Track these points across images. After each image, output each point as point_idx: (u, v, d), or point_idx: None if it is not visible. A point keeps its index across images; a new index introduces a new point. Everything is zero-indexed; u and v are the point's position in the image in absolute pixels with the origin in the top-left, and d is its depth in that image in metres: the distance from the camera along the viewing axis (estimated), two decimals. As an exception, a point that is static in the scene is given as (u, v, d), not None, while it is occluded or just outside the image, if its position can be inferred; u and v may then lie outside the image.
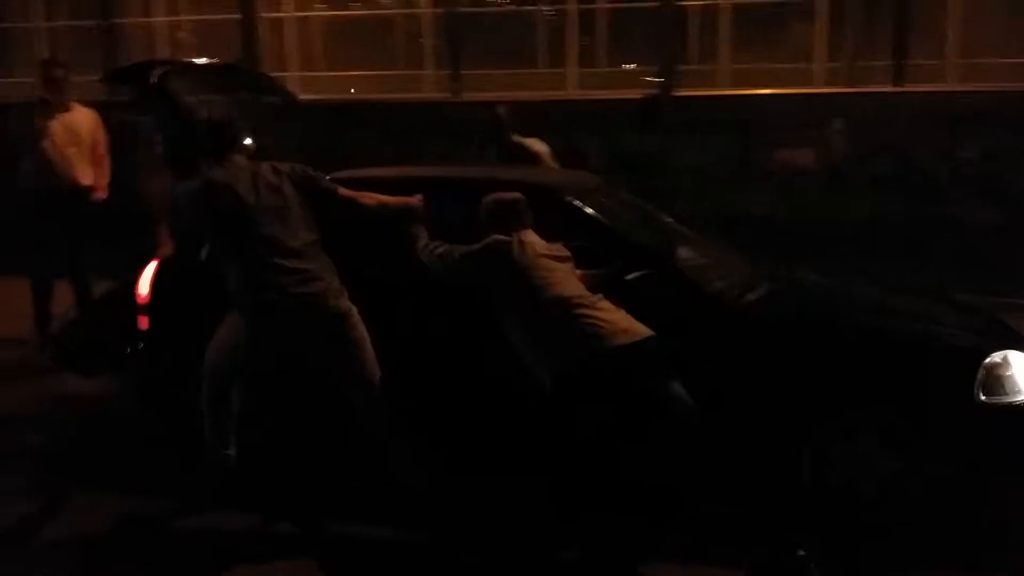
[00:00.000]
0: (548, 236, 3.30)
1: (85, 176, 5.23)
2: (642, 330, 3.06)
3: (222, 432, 3.30)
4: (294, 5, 11.01)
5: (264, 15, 10.41)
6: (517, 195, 3.32)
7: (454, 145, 8.62)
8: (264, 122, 4.28)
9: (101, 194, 5.39)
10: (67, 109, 5.17)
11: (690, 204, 8.25)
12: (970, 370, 3.16)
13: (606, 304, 3.14)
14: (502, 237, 3.16)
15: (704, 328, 3.34)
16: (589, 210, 3.62)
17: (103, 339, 4.18)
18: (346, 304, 3.21)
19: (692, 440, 2.98)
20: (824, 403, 3.23)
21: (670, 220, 4.35)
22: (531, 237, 3.22)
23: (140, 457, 3.89)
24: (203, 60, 5.34)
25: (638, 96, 9.32)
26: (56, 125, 5.09)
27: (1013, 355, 3.28)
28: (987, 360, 3.20)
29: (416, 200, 3.50)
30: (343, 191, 3.35)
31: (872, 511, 3.21)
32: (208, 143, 3.26)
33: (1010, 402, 3.18)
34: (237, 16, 10.01)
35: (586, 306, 3.06)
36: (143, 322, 3.87)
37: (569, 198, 3.66)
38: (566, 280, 3.13)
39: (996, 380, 3.19)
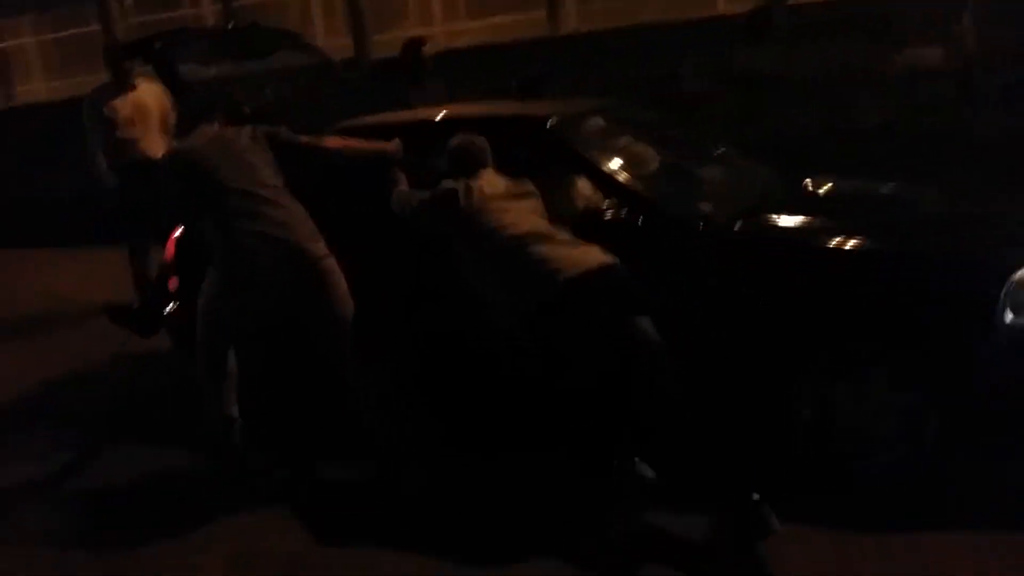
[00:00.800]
0: (528, 167, 3.18)
1: (156, 148, 5.48)
2: (595, 260, 2.85)
3: (220, 396, 3.40)
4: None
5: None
6: (469, 139, 3.21)
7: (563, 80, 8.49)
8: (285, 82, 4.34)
9: None
10: (133, 88, 5.46)
11: (799, 117, 7.71)
12: (993, 286, 2.67)
13: (565, 236, 2.98)
14: (450, 184, 3.07)
15: (679, 255, 3.05)
16: (567, 140, 3.40)
17: (151, 300, 4.47)
18: (321, 248, 3.22)
19: (656, 375, 2.76)
20: (821, 335, 2.86)
21: (688, 140, 4.02)
22: (485, 179, 3.10)
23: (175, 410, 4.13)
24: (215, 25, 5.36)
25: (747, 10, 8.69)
26: (122, 105, 5.39)
27: None
28: (1018, 274, 2.68)
29: (390, 145, 3.43)
30: (304, 139, 3.34)
31: (886, 454, 2.84)
32: (185, 111, 3.38)
33: None
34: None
35: (539, 242, 2.90)
36: (173, 283, 4.09)
37: (549, 127, 3.44)
38: (520, 219, 2.99)
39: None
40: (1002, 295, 2.65)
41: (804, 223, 3.18)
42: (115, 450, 3.89)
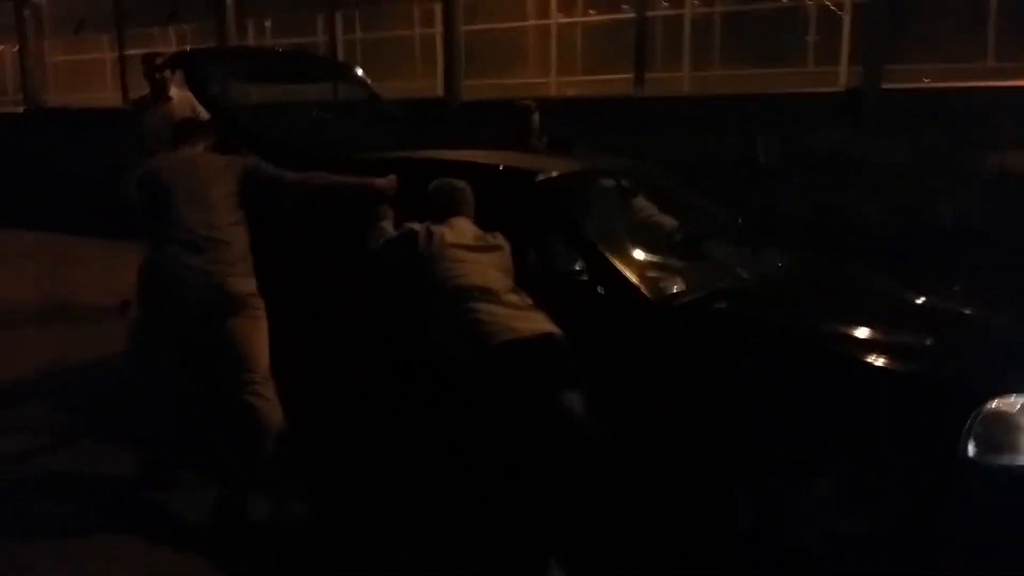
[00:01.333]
0: (512, 220, 3.13)
1: None
2: (532, 329, 2.74)
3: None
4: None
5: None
6: (449, 183, 3.19)
7: (636, 140, 8.44)
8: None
9: None
10: (167, 100, 5.43)
11: (873, 205, 7.36)
12: (957, 414, 2.38)
13: (514, 299, 2.87)
14: (413, 226, 3.05)
15: (633, 330, 2.88)
16: (551, 198, 3.31)
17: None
18: (250, 287, 3.20)
19: (578, 449, 2.63)
20: (759, 433, 2.62)
21: (700, 213, 3.83)
22: (455, 226, 3.05)
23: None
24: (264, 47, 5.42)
25: (838, 90, 8.42)
26: (153, 115, 5.37)
27: None
28: (989, 404, 2.39)
29: (383, 181, 3.41)
30: (291, 176, 3.36)
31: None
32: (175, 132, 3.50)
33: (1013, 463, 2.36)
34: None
35: (482, 299, 2.81)
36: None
37: (537, 183, 3.35)
38: (473, 271, 2.91)
39: (1000, 431, 2.37)
40: (966, 427, 2.35)
41: (764, 312, 2.94)
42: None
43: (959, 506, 2.39)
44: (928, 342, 2.80)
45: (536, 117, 5.05)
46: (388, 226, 3.26)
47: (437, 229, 3.01)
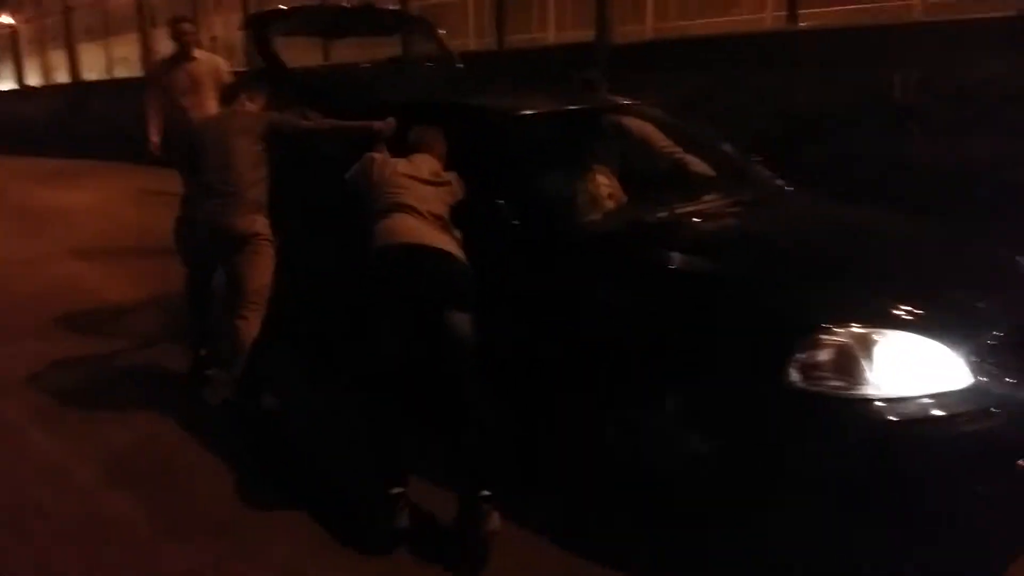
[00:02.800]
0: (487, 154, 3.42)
1: (207, 113, 5.87)
2: (435, 242, 2.98)
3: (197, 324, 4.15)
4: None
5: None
6: (383, 125, 3.62)
7: (790, 78, 8.16)
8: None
9: None
10: (191, 59, 6.02)
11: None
12: (784, 341, 2.40)
13: (436, 222, 3.11)
14: (373, 154, 3.39)
15: (540, 259, 3.08)
16: (512, 135, 3.55)
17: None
18: (255, 227, 3.70)
19: (457, 371, 2.86)
20: (629, 361, 2.75)
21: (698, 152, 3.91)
22: (415, 159, 3.34)
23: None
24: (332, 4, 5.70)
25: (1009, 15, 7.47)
26: (179, 73, 5.99)
27: (893, 338, 2.39)
28: (817, 333, 2.39)
29: (380, 123, 3.79)
30: (305, 123, 3.88)
31: (668, 493, 2.70)
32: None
33: (839, 392, 2.34)
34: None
35: (406, 212, 3.07)
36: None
37: (504, 121, 3.60)
38: (410, 196, 3.15)
39: (827, 359, 2.37)
40: (792, 354, 2.37)
41: (641, 244, 3.02)
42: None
43: (787, 430, 2.42)
44: (775, 275, 2.75)
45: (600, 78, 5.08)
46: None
47: (394, 160, 3.33)
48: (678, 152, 4.13)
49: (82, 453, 3.45)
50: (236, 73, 6.11)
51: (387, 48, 5.46)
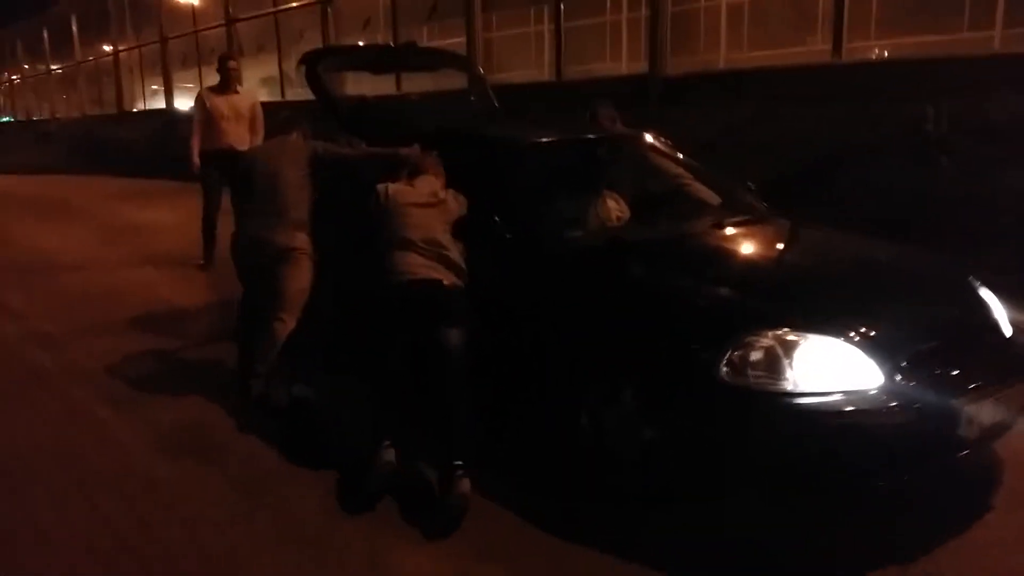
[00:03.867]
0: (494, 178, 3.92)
1: (241, 143, 7.00)
2: (433, 276, 3.52)
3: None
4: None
5: None
6: (408, 151, 4.11)
7: (836, 110, 8.41)
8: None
9: None
10: (234, 92, 7.06)
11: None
12: (717, 341, 2.78)
13: (437, 250, 3.61)
14: (378, 186, 3.88)
15: (520, 268, 3.54)
16: (515, 161, 4.02)
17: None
18: (295, 242, 4.21)
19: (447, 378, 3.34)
20: (597, 360, 3.15)
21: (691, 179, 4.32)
22: (414, 184, 3.85)
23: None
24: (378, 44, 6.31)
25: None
26: (222, 104, 7.01)
27: (812, 341, 2.74)
28: (745, 335, 2.76)
29: (406, 149, 4.28)
30: (344, 151, 4.41)
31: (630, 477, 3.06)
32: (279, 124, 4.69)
33: (762, 387, 2.70)
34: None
35: (411, 249, 3.61)
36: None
37: (510, 149, 4.08)
38: (416, 224, 3.67)
39: (753, 358, 2.73)
40: (724, 352, 2.74)
41: (608, 257, 3.44)
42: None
43: (719, 419, 2.78)
44: (718, 287, 3.12)
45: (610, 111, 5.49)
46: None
47: (395, 187, 3.83)
48: (681, 178, 4.53)
49: (137, 429, 4.04)
50: (290, 104, 6.90)
51: (454, 79, 6.00)
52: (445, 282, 3.51)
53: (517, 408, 3.62)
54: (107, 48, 25.76)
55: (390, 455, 3.22)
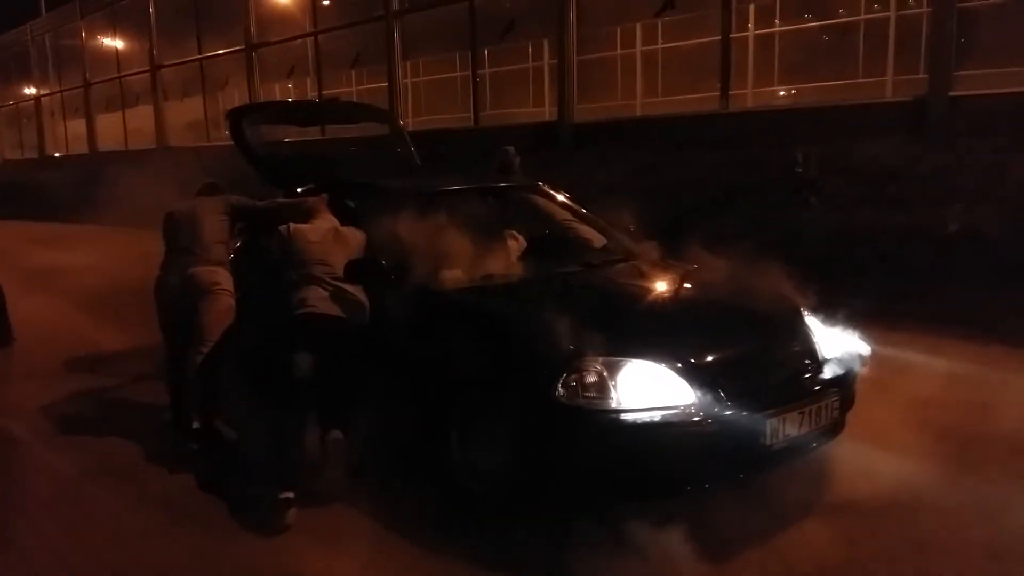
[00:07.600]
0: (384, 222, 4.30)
1: None
2: (319, 309, 4.00)
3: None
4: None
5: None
6: (304, 199, 4.66)
7: (725, 154, 9.16)
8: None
9: None
10: None
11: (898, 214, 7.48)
12: (553, 367, 3.24)
13: (334, 283, 4.09)
14: (280, 227, 4.36)
15: (402, 305, 3.97)
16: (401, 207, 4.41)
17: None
18: (215, 279, 4.54)
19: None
20: (463, 385, 3.57)
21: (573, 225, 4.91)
22: (314, 224, 4.35)
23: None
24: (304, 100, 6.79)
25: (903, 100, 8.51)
26: None
27: (633, 365, 3.24)
28: (576, 361, 3.23)
29: (313, 199, 4.71)
30: (258, 203, 4.84)
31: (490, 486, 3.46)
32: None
33: (593, 406, 3.17)
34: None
35: (311, 284, 4.08)
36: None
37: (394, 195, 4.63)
38: (320, 259, 4.15)
39: (583, 381, 3.20)
40: (560, 376, 3.21)
41: (469, 296, 3.93)
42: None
43: (557, 437, 3.22)
44: (560, 319, 3.43)
45: (516, 160, 6.12)
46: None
47: (296, 226, 4.31)
48: (568, 223, 5.11)
49: (73, 458, 4.42)
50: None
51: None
52: (336, 314, 3.96)
53: (403, 431, 4.03)
54: (29, 91, 25.46)
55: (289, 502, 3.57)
